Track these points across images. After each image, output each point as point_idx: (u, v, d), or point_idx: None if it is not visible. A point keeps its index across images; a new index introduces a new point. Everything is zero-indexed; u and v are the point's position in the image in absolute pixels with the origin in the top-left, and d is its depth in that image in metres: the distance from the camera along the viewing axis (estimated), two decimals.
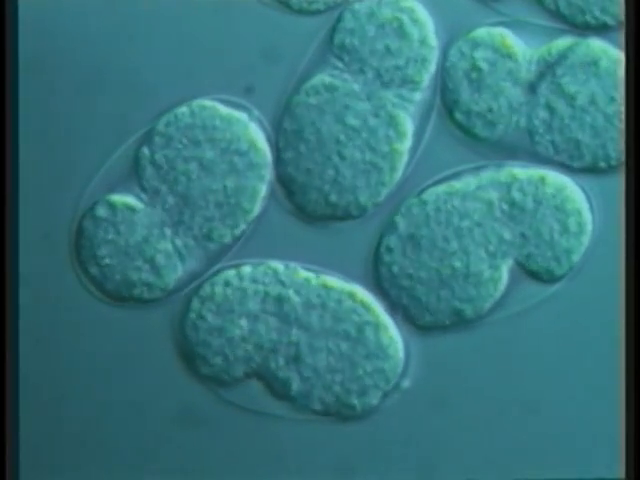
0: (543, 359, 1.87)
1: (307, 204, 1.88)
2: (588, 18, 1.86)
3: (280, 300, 1.87)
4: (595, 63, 1.85)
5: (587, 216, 1.86)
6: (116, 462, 1.90)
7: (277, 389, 1.87)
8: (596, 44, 1.86)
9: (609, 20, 1.86)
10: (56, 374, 1.89)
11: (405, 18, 1.87)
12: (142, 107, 1.89)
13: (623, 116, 1.84)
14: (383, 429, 1.88)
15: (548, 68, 1.86)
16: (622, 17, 1.85)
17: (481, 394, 1.87)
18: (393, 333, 1.87)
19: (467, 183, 1.86)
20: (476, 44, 1.87)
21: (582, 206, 1.86)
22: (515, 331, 1.87)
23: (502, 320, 1.86)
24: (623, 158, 1.85)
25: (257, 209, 1.89)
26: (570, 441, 1.87)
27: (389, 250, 1.87)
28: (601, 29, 1.86)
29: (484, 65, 1.86)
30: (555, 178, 1.86)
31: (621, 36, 1.85)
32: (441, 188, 1.87)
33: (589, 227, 1.86)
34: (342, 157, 1.87)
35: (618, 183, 1.86)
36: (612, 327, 1.83)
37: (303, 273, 1.88)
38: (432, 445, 1.88)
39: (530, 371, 1.87)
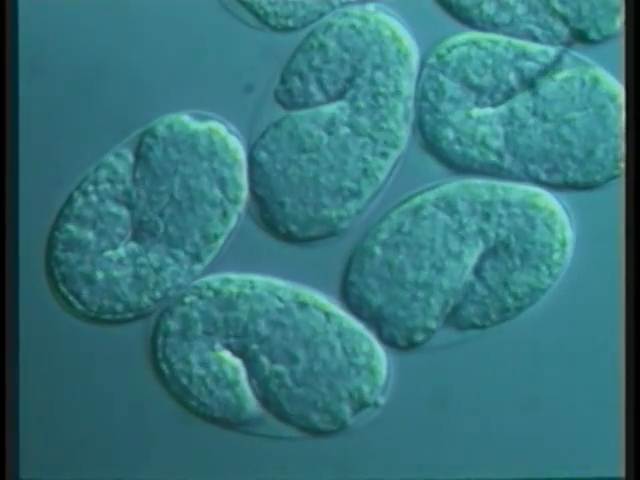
0: (543, 359, 1.87)
1: (281, 222, 1.88)
2: (571, 31, 1.85)
3: (258, 315, 1.87)
4: (575, 79, 1.85)
5: (564, 228, 1.86)
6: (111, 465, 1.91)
7: (263, 404, 1.88)
8: (579, 60, 1.85)
9: (594, 35, 1.85)
10: (54, 374, 1.90)
11: (382, 33, 1.86)
12: (142, 107, 1.89)
13: (623, 129, 1.85)
14: (381, 430, 1.88)
15: (526, 81, 1.86)
16: (616, 27, 1.84)
17: (481, 394, 1.87)
18: (373, 346, 1.87)
19: (438, 199, 1.86)
20: (447, 59, 1.86)
21: (558, 219, 1.86)
22: (515, 330, 1.87)
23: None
24: (623, 170, 1.85)
25: (232, 226, 1.88)
26: (570, 441, 1.86)
27: (360, 268, 1.87)
28: (585, 42, 1.86)
29: (456, 77, 1.86)
30: (530, 192, 1.86)
31: (610, 48, 1.85)
32: (412, 205, 1.86)
33: (566, 239, 1.86)
34: (318, 175, 1.87)
35: (598, 198, 1.86)
36: (612, 326, 1.83)
37: (279, 289, 1.88)
38: (432, 445, 1.88)
39: (530, 371, 1.87)
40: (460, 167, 1.86)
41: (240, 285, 1.88)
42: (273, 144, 1.87)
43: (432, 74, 1.86)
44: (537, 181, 1.86)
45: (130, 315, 1.89)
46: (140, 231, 1.88)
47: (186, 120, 1.88)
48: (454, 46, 1.86)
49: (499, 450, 1.87)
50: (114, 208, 1.89)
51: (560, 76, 1.85)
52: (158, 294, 1.88)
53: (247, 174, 1.88)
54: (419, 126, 1.87)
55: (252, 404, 1.87)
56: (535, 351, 1.86)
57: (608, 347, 1.83)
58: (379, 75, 1.86)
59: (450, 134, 1.86)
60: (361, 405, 1.87)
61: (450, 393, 1.88)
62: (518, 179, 1.86)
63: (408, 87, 1.86)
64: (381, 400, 1.87)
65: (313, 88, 1.87)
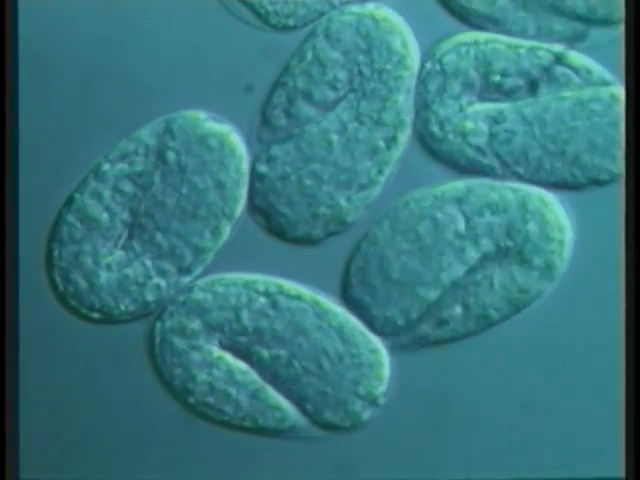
0: (543, 359, 1.87)
1: (283, 223, 1.88)
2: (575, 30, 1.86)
3: (261, 315, 1.88)
4: (593, 101, 1.85)
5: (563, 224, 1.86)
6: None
7: (269, 406, 1.89)
8: (575, 59, 1.86)
9: (615, 18, 1.85)
10: (54, 374, 1.90)
11: (380, 30, 1.87)
12: (141, 107, 1.89)
13: (623, 130, 1.85)
14: (382, 430, 1.88)
15: (528, 81, 1.86)
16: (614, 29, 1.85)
17: (481, 394, 1.87)
18: (375, 344, 1.88)
19: (437, 199, 1.86)
20: (448, 56, 1.87)
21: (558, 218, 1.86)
22: (514, 330, 1.87)
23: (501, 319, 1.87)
24: (622, 171, 1.85)
25: (224, 239, 1.89)
26: (570, 441, 1.86)
27: (360, 268, 1.87)
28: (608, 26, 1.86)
29: (456, 77, 1.86)
30: (528, 192, 1.86)
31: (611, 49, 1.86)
32: (409, 205, 1.86)
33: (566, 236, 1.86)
34: (319, 176, 1.87)
35: (594, 197, 1.86)
36: (612, 325, 1.83)
37: (281, 289, 1.88)
38: (432, 445, 1.88)
39: (530, 371, 1.87)
40: (435, 153, 1.87)
41: (205, 288, 1.88)
42: (277, 152, 1.87)
43: (461, 51, 1.86)
44: (521, 179, 1.86)
45: (95, 315, 1.89)
46: (136, 235, 1.88)
47: (202, 118, 1.88)
48: (488, 41, 1.85)
49: (499, 450, 1.87)
50: (128, 188, 1.88)
51: (573, 94, 1.85)
52: (133, 308, 1.88)
53: (249, 183, 1.89)
54: (416, 90, 1.87)
55: (285, 404, 1.88)
56: (535, 351, 1.86)
57: (608, 347, 1.83)
58: (375, 58, 1.86)
59: (440, 111, 1.86)
60: (373, 398, 1.86)
61: (450, 393, 1.88)
62: (502, 177, 1.86)
63: (411, 65, 1.87)
64: (381, 400, 1.87)
65: (308, 105, 1.87)
